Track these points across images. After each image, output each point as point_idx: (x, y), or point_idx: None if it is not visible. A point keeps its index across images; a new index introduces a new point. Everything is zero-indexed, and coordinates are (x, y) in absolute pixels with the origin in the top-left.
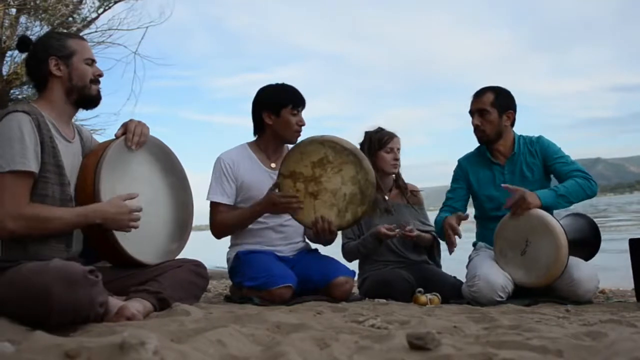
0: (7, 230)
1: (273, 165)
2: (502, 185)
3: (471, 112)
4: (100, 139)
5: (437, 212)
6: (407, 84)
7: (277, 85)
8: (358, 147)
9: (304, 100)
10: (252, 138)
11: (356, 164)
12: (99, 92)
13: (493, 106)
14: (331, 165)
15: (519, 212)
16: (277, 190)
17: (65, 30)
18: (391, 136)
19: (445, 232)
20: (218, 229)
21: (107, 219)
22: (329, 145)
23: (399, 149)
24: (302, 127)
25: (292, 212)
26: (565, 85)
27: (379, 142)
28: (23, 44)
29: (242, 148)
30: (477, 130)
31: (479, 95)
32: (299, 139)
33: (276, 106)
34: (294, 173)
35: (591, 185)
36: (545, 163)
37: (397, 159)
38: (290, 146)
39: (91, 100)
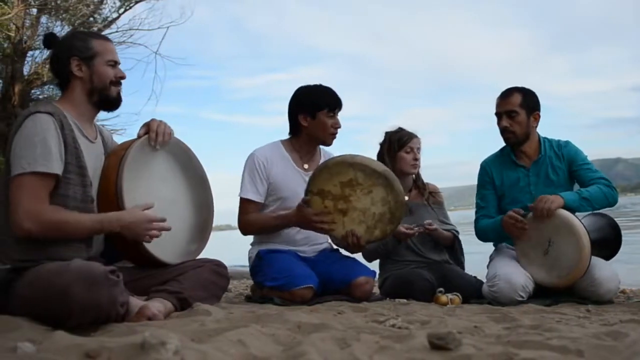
0: (24, 230)
1: (306, 166)
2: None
3: (498, 114)
4: (121, 139)
5: (473, 221)
6: (427, 84)
7: (314, 86)
8: (378, 146)
9: (340, 102)
10: (275, 138)
11: (387, 187)
12: (119, 94)
13: (521, 107)
14: (361, 187)
15: (544, 215)
16: (307, 206)
17: (89, 30)
18: (411, 136)
19: (511, 225)
20: (245, 228)
21: (124, 227)
22: (359, 168)
23: (419, 149)
24: (339, 129)
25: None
26: (585, 85)
27: (398, 142)
28: (48, 41)
29: (276, 146)
30: (506, 132)
31: (506, 96)
32: (332, 149)
33: (313, 109)
34: (322, 191)
35: (613, 194)
36: (570, 168)
37: (416, 159)
38: (325, 149)
39: (111, 103)
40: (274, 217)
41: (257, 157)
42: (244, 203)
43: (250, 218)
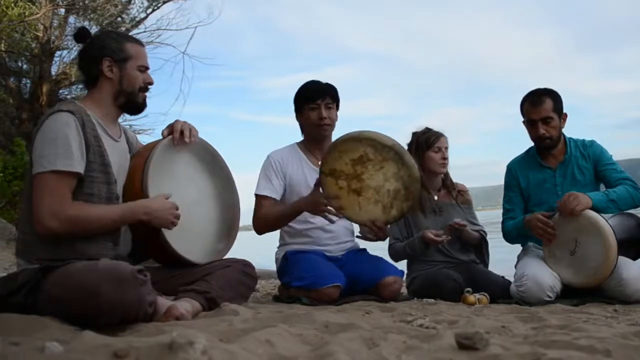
0: (48, 229)
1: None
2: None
3: (532, 121)
4: (148, 139)
5: (500, 222)
6: (455, 84)
7: (302, 84)
8: (405, 146)
9: (322, 92)
10: (301, 138)
11: (397, 161)
12: (144, 100)
13: (554, 111)
14: (372, 162)
15: (571, 213)
16: (320, 190)
17: (123, 32)
18: (438, 136)
19: (534, 228)
20: (259, 224)
21: (151, 215)
22: (368, 143)
23: (446, 148)
24: (325, 120)
25: (329, 217)
26: (613, 85)
27: (426, 142)
28: (81, 35)
29: (291, 147)
30: (544, 139)
31: (539, 103)
32: (337, 135)
33: (299, 106)
34: (334, 171)
35: (639, 195)
36: (596, 168)
37: (445, 158)
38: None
39: (136, 107)
40: (285, 206)
41: (273, 157)
42: (259, 200)
43: (264, 212)
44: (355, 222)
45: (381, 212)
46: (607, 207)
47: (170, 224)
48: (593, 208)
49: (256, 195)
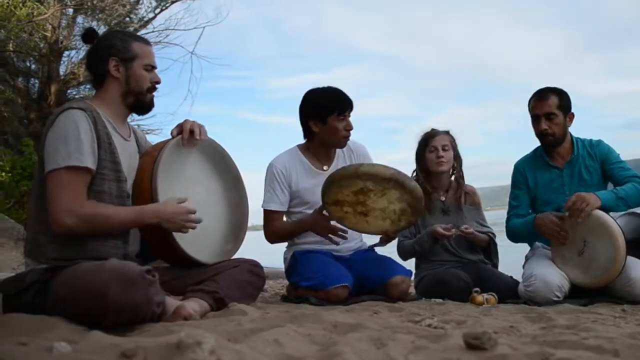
0: (64, 226)
1: (325, 167)
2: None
3: (536, 116)
4: (156, 139)
5: (505, 220)
6: (462, 84)
7: (322, 90)
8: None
9: (350, 103)
10: (302, 140)
11: (399, 188)
12: (152, 99)
13: (559, 109)
14: (373, 192)
15: (579, 215)
16: (324, 212)
17: (130, 31)
18: (432, 135)
19: (548, 230)
20: (270, 237)
21: (164, 219)
22: (366, 177)
23: (444, 147)
24: (351, 131)
25: (334, 240)
26: (619, 85)
27: (424, 142)
28: (88, 36)
29: (294, 152)
30: (546, 135)
31: (543, 98)
32: (347, 141)
33: (322, 114)
34: (337, 201)
35: None
36: (603, 167)
37: (439, 157)
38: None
39: (143, 107)
40: (293, 222)
41: (276, 166)
42: (267, 214)
43: (274, 227)
44: (367, 234)
45: (390, 225)
46: (615, 205)
47: (182, 228)
48: (602, 207)
49: (264, 209)
